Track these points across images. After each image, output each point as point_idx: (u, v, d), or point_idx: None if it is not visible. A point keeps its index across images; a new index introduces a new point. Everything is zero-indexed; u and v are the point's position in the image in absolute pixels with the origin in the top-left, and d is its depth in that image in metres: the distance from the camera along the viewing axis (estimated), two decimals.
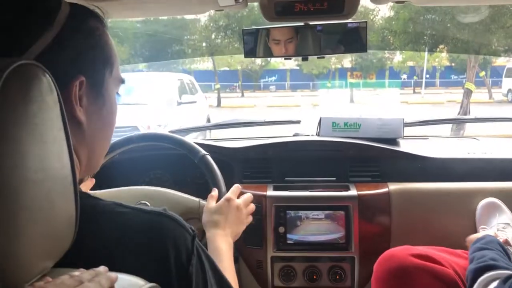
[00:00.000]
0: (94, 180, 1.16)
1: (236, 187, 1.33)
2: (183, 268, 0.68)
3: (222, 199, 1.27)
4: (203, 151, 1.39)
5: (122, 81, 0.80)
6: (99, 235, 0.67)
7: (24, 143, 0.51)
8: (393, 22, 10.03)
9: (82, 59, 0.69)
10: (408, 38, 10.16)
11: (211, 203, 1.27)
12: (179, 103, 8.45)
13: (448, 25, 9.54)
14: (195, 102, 9.12)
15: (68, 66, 0.66)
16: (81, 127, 0.70)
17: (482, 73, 16.74)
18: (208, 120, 9.82)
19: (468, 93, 9.89)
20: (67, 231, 0.59)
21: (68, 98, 0.66)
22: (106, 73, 0.74)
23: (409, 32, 9.90)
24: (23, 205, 0.50)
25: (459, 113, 9.59)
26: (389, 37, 10.22)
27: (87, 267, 0.58)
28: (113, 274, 0.57)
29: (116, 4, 1.23)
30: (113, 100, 0.78)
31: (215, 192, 1.31)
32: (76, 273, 0.55)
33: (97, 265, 0.59)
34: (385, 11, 10.67)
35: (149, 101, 7.86)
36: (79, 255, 0.61)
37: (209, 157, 1.38)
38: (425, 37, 10.17)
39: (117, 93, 0.81)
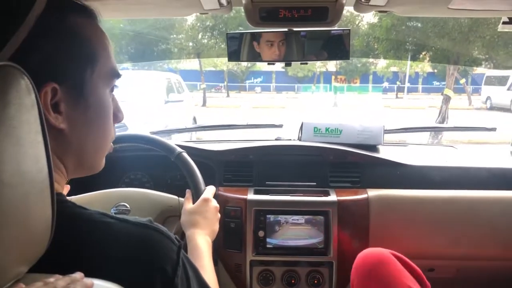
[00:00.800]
0: (69, 186, 1.13)
1: (212, 188, 1.32)
2: (169, 279, 0.68)
3: (199, 200, 1.27)
4: (179, 149, 1.38)
5: (115, 75, 0.75)
6: (83, 245, 0.65)
7: (0, 146, 0.49)
8: (376, 29, 10.17)
9: (53, 63, 0.64)
10: (390, 45, 10.35)
11: (188, 203, 1.27)
12: (167, 102, 8.50)
13: (429, 33, 9.73)
14: (182, 101, 9.20)
15: (38, 72, 0.60)
16: (62, 134, 0.67)
17: (463, 80, 17.06)
18: (194, 119, 9.90)
19: (447, 99, 10.15)
20: (43, 235, 0.57)
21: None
22: (87, 73, 0.69)
23: (391, 39, 10.08)
24: None
25: (437, 118, 9.86)
26: (373, 43, 10.37)
27: (66, 273, 0.56)
28: (88, 281, 0.56)
29: (98, 5, 1.20)
30: (100, 98, 0.73)
31: (189, 194, 1.31)
32: (51, 279, 0.54)
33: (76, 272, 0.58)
34: (370, 17, 10.84)
35: (136, 99, 7.69)
36: (60, 264, 0.59)
37: (185, 155, 1.37)
38: (407, 44, 10.37)
39: (114, 86, 0.77)
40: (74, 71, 0.67)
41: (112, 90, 0.77)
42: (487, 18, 8.19)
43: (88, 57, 0.69)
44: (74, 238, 0.65)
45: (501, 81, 16.43)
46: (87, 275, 0.57)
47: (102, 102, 0.73)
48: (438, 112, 10.07)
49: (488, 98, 17.17)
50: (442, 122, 9.72)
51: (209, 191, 1.31)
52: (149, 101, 7.99)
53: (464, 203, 1.60)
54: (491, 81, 17.26)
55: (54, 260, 0.59)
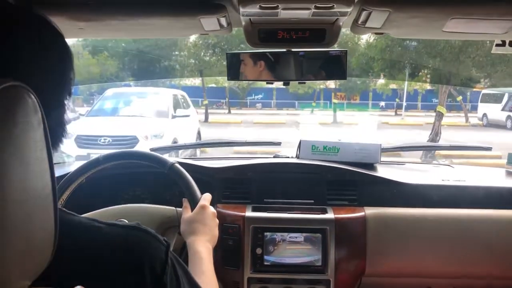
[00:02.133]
0: None
1: (208, 195, 1.33)
2: (158, 278, 0.70)
3: (197, 207, 1.27)
4: (171, 160, 1.37)
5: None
6: (74, 250, 0.66)
7: (6, 165, 0.50)
8: (372, 49, 10.42)
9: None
10: (384, 64, 10.59)
11: (186, 212, 1.28)
12: (174, 116, 8.73)
13: (423, 54, 9.98)
14: (188, 116, 9.48)
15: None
16: None
17: (459, 98, 17.21)
18: (199, 134, 10.20)
19: (439, 115, 10.30)
20: (46, 250, 0.58)
21: None
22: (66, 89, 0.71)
23: (385, 59, 10.32)
24: (3, 225, 0.50)
25: (430, 134, 10.02)
26: (369, 62, 10.60)
27: (63, 281, 0.58)
28: None
29: (101, 25, 1.23)
30: None
31: (187, 203, 1.31)
32: None
33: (72, 279, 0.58)
34: (366, 37, 11.06)
35: (146, 114, 8.28)
36: (55, 270, 0.60)
37: (178, 166, 1.37)
38: (401, 64, 10.61)
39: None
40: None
41: None
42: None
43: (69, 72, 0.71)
44: (65, 243, 0.64)
45: (497, 98, 16.59)
46: (79, 278, 0.58)
47: None
48: (432, 128, 10.28)
49: (485, 115, 17.33)
50: (436, 137, 9.88)
51: (206, 198, 1.31)
52: (158, 116, 8.37)
53: (461, 221, 1.60)
54: (487, 98, 17.42)
55: (50, 270, 0.60)
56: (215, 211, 1.29)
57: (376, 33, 1.41)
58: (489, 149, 1.98)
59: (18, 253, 0.53)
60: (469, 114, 18.77)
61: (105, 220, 1.33)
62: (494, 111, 16.53)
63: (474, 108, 19.99)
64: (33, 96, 0.55)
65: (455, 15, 1.16)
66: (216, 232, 1.26)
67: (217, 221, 1.29)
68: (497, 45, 1.47)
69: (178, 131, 8.49)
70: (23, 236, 0.53)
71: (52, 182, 0.58)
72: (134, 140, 7.33)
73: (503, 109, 15.25)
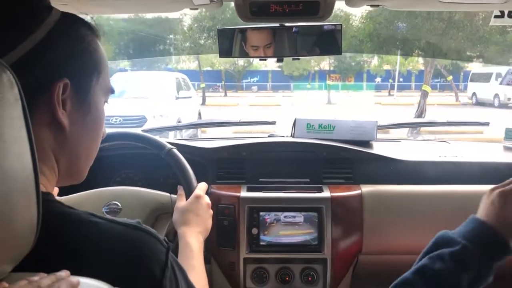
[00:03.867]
0: (57, 189, 1.08)
1: (204, 184, 1.29)
2: (157, 280, 0.66)
3: (191, 197, 1.23)
4: (169, 145, 1.33)
5: (111, 91, 0.78)
6: (70, 244, 0.63)
7: None
8: (361, 32, 10.63)
9: (68, 63, 0.67)
10: (373, 46, 10.88)
11: (180, 201, 1.24)
12: (177, 98, 9.18)
13: (410, 37, 10.25)
14: (190, 97, 9.98)
15: (53, 68, 0.65)
16: (63, 131, 0.68)
17: (450, 78, 17.52)
18: (199, 114, 10.59)
19: (424, 94, 10.75)
20: (27, 234, 0.54)
21: (50, 100, 0.65)
22: (93, 80, 0.72)
23: (374, 41, 10.57)
24: None
25: (416, 112, 10.43)
26: (359, 44, 10.77)
27: (53, 271, 0.54)
28: (74, 279, 0.53)
29: (84, 0, 1.16)
30: (99, 109, 0.75)
31: (182, 191, 1.27)
32: (35, 278, 0.51)
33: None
34: (355, 20, 11.20)
35: (151, 95, 8.63)
36: (47, 263, 0.56)
37: (176, 151, 1.33)
38: (389, 46, 10.88)
39: (106, 102, 0.78)
40: (83, 75, 0.71)
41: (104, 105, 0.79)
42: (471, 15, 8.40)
43: (95, 66, 0.72)
44: (62, 237, 0.63)
45: (486, 77, 16.83)
46: (74, 274, 0.55)
47: (100, 111, 0.76)
48: (417, 106, 10.61)
49: (474, 94, 17.65)
50: (420, 115, 10.22)
51: (201, 188, 1.27)
52: (162, 97, 8.73)
53: (457, 198, 1.56)
54: (476, 77, 17.71)
55: (41, 260, 0.57)
56: (209, 202, 1.25)
57: (371, 5, 1.34)
58: (486, 124, 1.93)
59: None
60: (460, 93, 18.96)
61: (97, 201, 1.30)
62: (483, 90, 16.84)
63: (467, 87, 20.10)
64: (8, 72, 0.51)
65: None
66: (209, 224, 1.22)
67: (211, 212, 1.25)
68: (496, 16, 1.41)
69: (181, 111, 8.84)
70: (2, 218, 0.49)
71: (33, 164, 0.54)
72: (143, 119, 7.67)
73: (501, 83, 15.34)
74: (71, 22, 0.70)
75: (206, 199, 1.24)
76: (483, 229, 0.83)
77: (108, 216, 0.69)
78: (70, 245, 0.63)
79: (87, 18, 0.74)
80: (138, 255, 0.65)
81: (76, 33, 0.70)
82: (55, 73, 0.65)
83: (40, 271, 0.54)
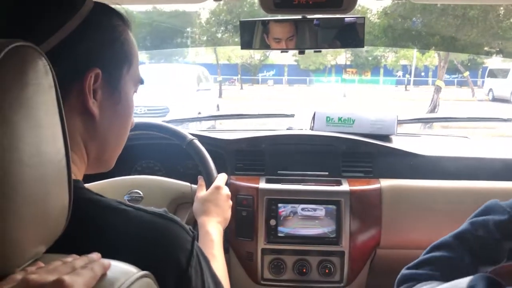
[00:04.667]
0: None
1: (224, 175, 1.29)
2: (183, 269, 0.66)
3: (211, 187, 1.23)
4: (190, 136, 1.34)
5: (141, 81, 0.79)
6: (100, 230, 0.64)
7: (19, 127, 0.48)
8: (376, 28, 10.62)
9: (100, 52, 0.68)
10: (387, 42, 10.92)
11: (200, 191, 1.24)
12: (198, 90, 9.53)
13: (423, 33, 10.25)
14: (210, 89, 10.38)
15: (85, 57, 0.66)
16: (94, 120, 0.69)
17: (466, 73, 17.29)
18: (218, 106, 10.86)
19: (438, 89, 10.81)
20: (60, 216, 0.56)
21: (82, 89, 0.66)
22: (124, 70, 0.73)
23: (388, 37, 10.65)
24: (16, 188, 0.47)
25: (429, 106, 10.50)
26: (374, 40, 10.75)
27: (82, 253, 0.55)
28: (106, 261, 0.54)
29: None
30: (129, 99, 0.76)
31: (202, 181, 1.27)
32: (69, 259, 0.53)
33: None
34: (372, 16, 11.14)
35: (173, 87, 8.86)
36: (77, 247, 0.58)
37: (197, 142, 1.33)
38: (402, 42, 10.88)
39: (135, 92, 0.78)
40: (114, 65, 0.71)
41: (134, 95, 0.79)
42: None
43: (126, 56, 0.73)
44: (92, 222, 0.64)
45: (503, 74, 16.63)
46: (103, 258, 0.56)
47: (129, 101, 0.76)
48: (430, 101, 10.75)
49: (490, 90, 17.35)
50: (434, 109, 10.31)
51: (221, 178, 1.27)
52: (184, 89, 8.99)
53: (477, 194, 1.53)
54: (493, 73, 17.48)
55: (71, 244, 0.58)
56: (229, 193, 1.25)
57: None
58: (509, 120, 1.89)
59: (32, 218, 0.51)
60: (477, 89, 18.71)
61: (120, 189, 1.31)
62: (500, 86, 16.56)
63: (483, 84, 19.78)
64: (44, 58, 0.52)
65: None
66: (228, 214, 1.22)
67: (231, 203, 1.25)
68: None
69: (201, 103, 9.11)
70: (37, 201, 0.51)
71: (65, 148, 0.55)
72: (165, 110, 7.94)
73: None
74: (104, 12, 0.71)
75: (226, 190, 1.25)
76: None
77: (136, 205, 0.69)
78: (99, 230, 0.63)
79: (119, 8, 0.74)
80: (164, 243, 0.66)
81: (108, 23, 0.71)
82: (87, 63, 0.66)
83: (70, 252, 0.55)
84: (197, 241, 0.71)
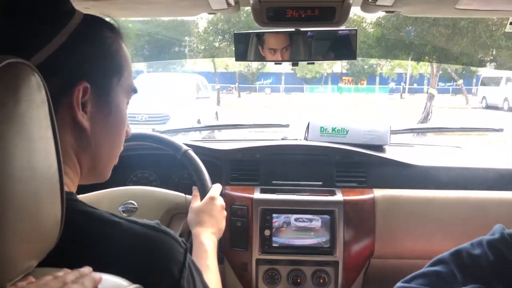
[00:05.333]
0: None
1: (218, 186, 1.29)
2: (175, 280, 0.66)
3: (206, 198, 1.23)
4: (185, 147, 1.34)
5: (134, 91, 0.78)
6: (92, 242, 0.64)
7: (12, 142, 0.48)
8: (370, 37, 10.76)
9: (88, 65, 0.68)
10: (381, 51, 11.08)
11: (195, 201, 1.24)
12: (197, 98, 9.60)
13: (416, 43, 10.39)
14: (209, 97, 10.52)
15: (73, 71, 0.66)
16: (84, 132, 0.69)
17: (460, 81, 17.44)
18: (216, 114, 11.07)
19: (431, 97, 10.89)
20: (52, 230, 0.56)
21: (71, 103, 0.65)
22: (114, 82, 0.72)
23: (381, 46, 10.80)
24: (8, 203, 0.48)
25: (422, 114, 10.59)
26: (368, 49, 10.87)
27: (75, 267, 0.55)
28: (97, 275, 0.54)
29: (106, 3, 1.17)
30: (121, 110, 0.75)
31: (197, 192, 1.27)
32: (60, 273, 0.52)
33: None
34: (366, 25, 11.28)
35: (173, 95, 8.94)
36: (69, 259, 0.58)
37: (191, 152, 1.33)
38: (396, 51, 11.06)
39: (128, 103, 0.78)
40: (104, 77, 0.71)
41: (127, 105, 0.78)
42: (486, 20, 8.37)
43: (116, 68, 0.72)
44: (83, 235, 0.64)
45: (495, 81, 16.77)
46: (95, 271, 0.56)
47: (122, 112, 0.75)
48: (424, 108, 10.81)
49: (484, 98, 17.56)
50: (427, 117, 10.45)
51: (216, 189, 1.27)
52: (184, 97, 9.06)
53: (471, 203, 1.53)
54: (486, 82, 17.65)
55: (63, 256, 0.58)
56: (223, 203, 1.25)
57: (386, 11, 1.33)
58: (500, 130, 1.90)
59: (24, 232, 0.51)
60: (472, 97, 18.83)
61: (114, 200, 1.31)
62: (493, 94, 16.78)
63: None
64: (36, 74, 0.53)
65: None
66: (222, 225, 1.22)
67: (225, 213, 1.24)
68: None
69: (200, 111, 9.27)
70: (28, 215, 0.51)
71: (58, 162, 0.56)
72: (166, 117, 7.97)
73: None
74: (93, 24, 0.70)
75: (220, 201, 1.24)
76: None
77: (129, 217, 0.69)
78: (91, 243, 0.63)
79: (109, 19, 0.74)
80: (157, 255, 0.66)
81: (97, 36, 0.70)
82: (75, 76, 0.66)
83: (62, 267, 0.55)
84: (190, 252, 0.71)
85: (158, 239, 0.67)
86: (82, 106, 0.67)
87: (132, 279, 0.58)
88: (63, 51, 0.64)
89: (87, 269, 0.55)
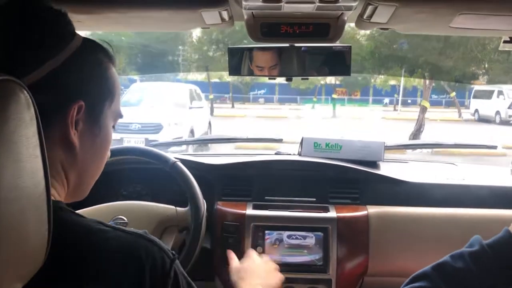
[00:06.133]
0: None
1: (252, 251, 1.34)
2: None
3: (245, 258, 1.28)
4: (173, 159, 1.34)
5: (120, 116, 0.81)
6: (76, 251, 0.63)
7: (0, 162, 0.47)
8: (363, 49, 10.93)
9: (85, 86, 0.71)
10: (374, 63, 11.23)
11: (233, 263, 1.28)
12: (190, 108, 9.75)
13: (409, 56, 10.55)
14: (202, 107, 10.67)
15: (70, 90, 0.68)
16: (74, 150, 0.71)
17: (453, 94, 17.62)
18: (210, 124, 11.21)
19: (423, 109, 11.03)
20: (39, 251, 0.54)
21: (65, 120, 0.68)
22: (106, 105, 0.75)
23: (375, 58, 10.99)
24: None
25: (415, 126, 10.73)
26: (362, 61, 11.04)
27: (61, 279, 0.56)
28: None
29: (101, 17, 1.16)
30: (108, 132, 0.78)
31: (233, 253, 1.32)
32: None
33: (72, 280, 0.57)
34: (360, 38, 11.45)
35: (167, 105, 9.09)
36: (55, 271, 0.58)
37: (180, 164, 1.34)
38: (389, 64, 11.24)
39: (113, 127, 0.80)
40: (98, 99, 0.73)
41: (112, 128, 0.81)
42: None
43: (109, 91, 0.75)
44: (69, 243, 0.63)
45: (488, 95, 16.92)
46: (80, 281, 0.57)
47: (108, 134, 0.78)
48: (416, 121, 10.94)
49: (476, 110, 17.70)
50: (419, 129, 10.61)
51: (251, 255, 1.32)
52: (177, 107, 9.19)
53: (464, 221, 1.53)
54: (479, 94, 17.77)
55: (49, 267, 0.57)
56: (265, 259, 1.30)
57: (381, 29, 1.33)
58: (494, 147, 1.90)
59: (10, 254, 0.49)
60: (464, 110, 19.00)
61: (103, 216, 1.29)
62: (485, 107, 16.95)
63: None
64: (25, 92, 0.52)
65: (464, 10, 1.08)
66: (271, 280, 1.22)
67: (271, 267, 1.27)
68: (505, 41, 1.40)
69: (194, 120, 9.42)
70: (14, 237, 0.49)
71: (46, 181, 0.55)
72: (159, 126, 8.09)
73: (509, 107, 15.46)
74: (92, 48, 0.74)
75: (260, 258, 1.29)
76: (507, 237, 0.84)
77: (115, 225, 0.70)
78: (77, 252, 0.63)
79: (106, 45, 0.78)
80: (141, 263, 0.65)
81: (94, 59, 0.73)
82: (71, 95, 0.68)
83: (48, 278, 0.55)
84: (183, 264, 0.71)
85: (144, 248, 0.67)
86: (75, 124, 0.69)
87: (114, 285, 0.60)
88: (62, 69, 0.66)
89: None
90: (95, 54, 0.74)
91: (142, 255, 0.66)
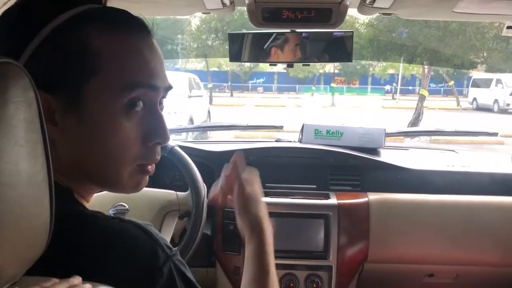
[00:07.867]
0: None
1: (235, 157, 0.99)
2: (149, 286, 0.62)
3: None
4: (171, 143, 1.33)
5: (129, 87, 0.64)
6: (72, 241, 0.61)
7: None
8: (362, 37, 10.89)
9: (52, 74, 0.61)
10: (373, 52, 11.24)
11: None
12: (190, 96, 9.65)
13: (408, 44, 10.54)
14: (201, 96, 10.58)
15: (39, 80, 0.54)
16: (54, 144, 0.61)
17: (451, 83, 17.59)
18: (209, 112, 11.13)
19: (422, 98, 11.00)
20: (40, 237, 0.53)
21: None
22: (85, 87, 0.62)
23: (373, 47, 10.95)
24: None
25: (413, 115, 10.68)
26: (361, 50, 11.02)
27: (59, 271, 0.54)
28: (86, 286, 0.52)
29: None
30: (100, 114, 0.64)
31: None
32: (48, 284, 0.50)
33: (67, 269, 0.55)
34: (359, 26, 11.41)
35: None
36: (53, 262, 0.56)
37: (178, 149, 1.33)
38: (387, 52, 11.27)
39: (134, 101, 0.65)
40: (70, 84, 0.62)
41: (133, 106, 0.65)
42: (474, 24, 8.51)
43: (92, 69, 0.62)
44: (70, 236, 0.61)
45: (486, 83, 16.88)
46: (75, 272, 0.54)
47: (102, 116, 0.64)
48: (415, 109, 10.91)
49: (474, 99, 17.67)
50: (418, 117, 10.58)
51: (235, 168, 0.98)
52: (176, 95, 8.86)
53: (465, 208, 1.53)
54: (476, 83, 17.74)
55: (51, 261, 0.55)
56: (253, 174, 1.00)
57: (384, 14, 1.31)
58: (495, 134, 1.89)
59: (11, 240, 0.48)
60: (463, 98, 19.00)
61: (104, 203, 1.28)
62: (483, 95, 16.92)
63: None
64: (26, 75, 0.50)
65: None
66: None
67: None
68: (508, 27, 1.38)
69: (193, 109, 9.37)
70: (16, 222, 0.48)
71: (47, 166, 0.53)
72: None
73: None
74: (75, 23, 0.62)
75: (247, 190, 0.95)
76: None
77: (114, 215, 0.69)
78: (76, 244, 0.61)
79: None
80: (132, 252, 0.62)
81: (70, 39, 0.62)
82: (41, 85, 0.56)
83: (45, 270, 0.54)
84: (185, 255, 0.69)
85: (131, 236, 0.63)
86: (50, 118, 0.62)
87: (106, 274, 0.58)
88: (34, 58, 0.60)
89: (76, 280, 0.53)
90: (77, 31, 0.62)
91: (127, 244, 0.62)
